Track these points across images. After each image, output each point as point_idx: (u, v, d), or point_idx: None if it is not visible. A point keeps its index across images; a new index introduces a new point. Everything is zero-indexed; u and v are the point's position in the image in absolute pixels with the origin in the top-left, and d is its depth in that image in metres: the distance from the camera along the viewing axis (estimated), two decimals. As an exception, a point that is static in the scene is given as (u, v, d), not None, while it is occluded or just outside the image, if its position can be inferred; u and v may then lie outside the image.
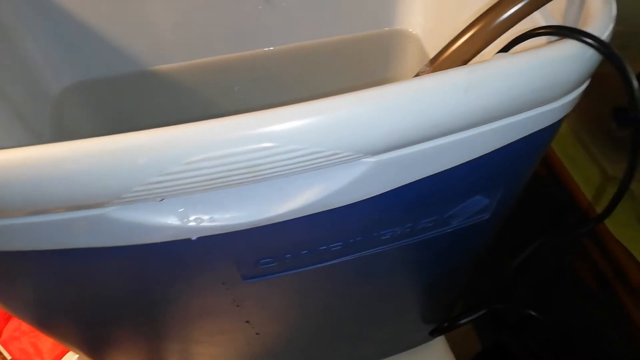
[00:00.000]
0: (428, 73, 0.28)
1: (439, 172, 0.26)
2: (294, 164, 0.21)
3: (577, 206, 0.50)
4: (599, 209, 0.46)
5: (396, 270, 0.36)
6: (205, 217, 0.24)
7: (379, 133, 0.21)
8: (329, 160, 0.22)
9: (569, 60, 0.22)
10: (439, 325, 0.49)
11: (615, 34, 0.44)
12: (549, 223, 0.59)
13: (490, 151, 0.25)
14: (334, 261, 0.30)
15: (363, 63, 0.46)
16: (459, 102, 0.22)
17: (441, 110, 0.22)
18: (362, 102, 0.21)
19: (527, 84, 0.22)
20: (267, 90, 0.47)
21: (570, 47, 0.22)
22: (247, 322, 0.36)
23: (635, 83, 0.23)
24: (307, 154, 0.21)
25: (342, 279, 0.34)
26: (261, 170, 0.21)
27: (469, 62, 0.28)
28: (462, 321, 0.48)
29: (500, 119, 0.24)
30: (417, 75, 0.28)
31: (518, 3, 0.27)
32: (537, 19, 0.29)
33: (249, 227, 0.25)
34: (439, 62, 0.28)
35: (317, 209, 0.25)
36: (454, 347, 0.62)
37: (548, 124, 0.25)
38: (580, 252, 0.53)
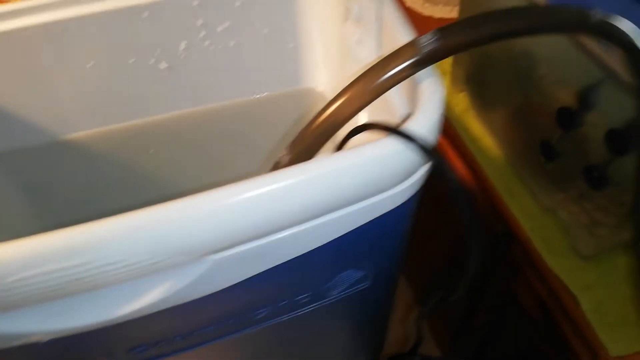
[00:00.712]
0: (286, 160, 0.29)
1: (293, 258, 0.26)
2: (121, 272, 0.22)
3: (516, 238, 0.51)
4: (535, 241, 0.47)
5: (293, 338, 0.36)
6: (50, 321, 0.24)
7: (204, 238, 0.22)
8: (160, 265, 0.22)
9: (392, 157, 0.23)
10: (363, 376, 0.49)
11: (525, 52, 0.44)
12: (490, 256, 0.60)
13: (337, 236, 0.26)
14: (215, 341, 0.31)
15: (273, 122, 0.47)
16: (286, 202, 0.22)
17: (268, 212, 0.22)
18: (181, 212, 0.21)
19: (353, 180, 0.23)
20: (182, 150, 0.48)
21: (391, 145, 0.23)
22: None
23: (456, 182, 0.23)
24: (129, 264, 0.21)
25: (234, 352, 0.34)
26: (89, 282, 0.22)
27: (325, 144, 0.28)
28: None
29: (337, 210, 0.24)
30: (275, 163, 0.29)
31: (371, 84, 0.27)
32: (390, 97, 0.29)
33: (99, 327, 0.25)
34: (298, 145, 0.28)
35: (168, 304, 0.25)
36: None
37: (393, 207, 0.26)
38: (525, 281, 0.53)
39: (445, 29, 0.25)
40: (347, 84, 0.28)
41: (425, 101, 0.24)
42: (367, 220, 0.26)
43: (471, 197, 0.24)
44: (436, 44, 0.25)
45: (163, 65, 0.43)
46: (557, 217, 0.48)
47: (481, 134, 0.54)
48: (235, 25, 0.42)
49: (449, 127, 0.56)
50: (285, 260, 0.26)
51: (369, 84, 0.26)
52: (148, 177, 0.48)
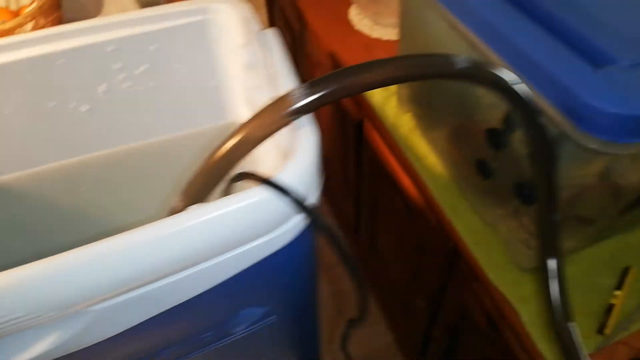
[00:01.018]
0: (181, 206, 0.30)
1: (183, 302, 0.27)
2: (2, 328, 0.22)
3: (462, 253, 0.52)
4: (478, 255, 0.48)
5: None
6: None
7: (81, 291, 0.23)
8: (41, 320, 0.23)
9: (261, 206, 0.24)
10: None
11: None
12: (446, 273, 0.61)
13: (225, 279, 0.27)
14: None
15: (201, 157, 0.48)
16: (162, 252, 0.23)
17: (142, 264, 0.23)
18: (54, 268, 0.22)
19: (226, 228, 0.24)
20: (113, 186, 0.48)
21: (261, 194, 0.24)
22: None
23: (328, 228, 0.24)
24: (8, 320, 0.22)
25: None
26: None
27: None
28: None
29: (217, 256, 0.25)
30: (171, 209, 0.29)
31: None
32: (279, 139, 0.30)
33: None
34: (189, 191, 0.29)
35: (59, 354, 0.26)
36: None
37: (276, 249, 0.27)
38: (472, 294, 0.54)
39: (316, 82, 0.26)
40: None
41: (298, 152, 0.25)
42: (252, 263, 0.27)
43: (343, 241, 0.25)
44: (307, 97, 0.26)
45: (84, 107, 0.44)
46: (497, 231, 0.49)
47: (426, 152, 0.55)
48: (153, 67, 0.43)
49: (395, 146, 0.57)
50: (175, 304, 0.27)
51: (248, 133, 0.28)
52: (74, 217, 0.48)
